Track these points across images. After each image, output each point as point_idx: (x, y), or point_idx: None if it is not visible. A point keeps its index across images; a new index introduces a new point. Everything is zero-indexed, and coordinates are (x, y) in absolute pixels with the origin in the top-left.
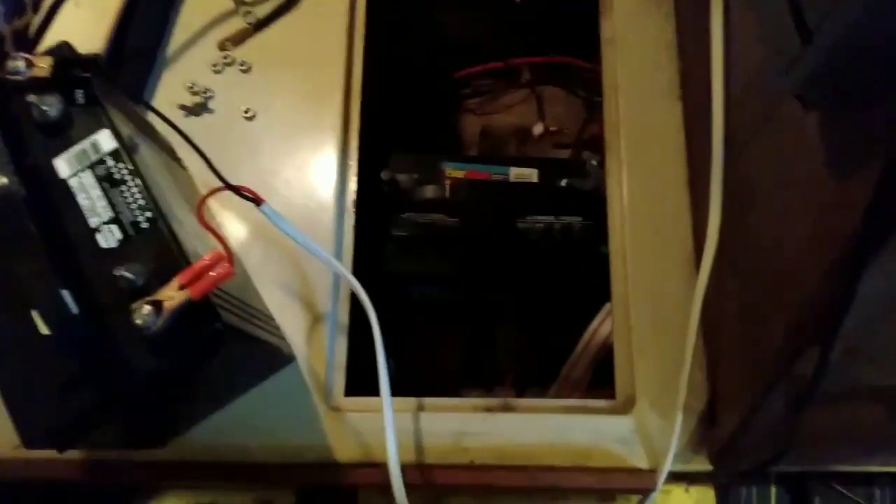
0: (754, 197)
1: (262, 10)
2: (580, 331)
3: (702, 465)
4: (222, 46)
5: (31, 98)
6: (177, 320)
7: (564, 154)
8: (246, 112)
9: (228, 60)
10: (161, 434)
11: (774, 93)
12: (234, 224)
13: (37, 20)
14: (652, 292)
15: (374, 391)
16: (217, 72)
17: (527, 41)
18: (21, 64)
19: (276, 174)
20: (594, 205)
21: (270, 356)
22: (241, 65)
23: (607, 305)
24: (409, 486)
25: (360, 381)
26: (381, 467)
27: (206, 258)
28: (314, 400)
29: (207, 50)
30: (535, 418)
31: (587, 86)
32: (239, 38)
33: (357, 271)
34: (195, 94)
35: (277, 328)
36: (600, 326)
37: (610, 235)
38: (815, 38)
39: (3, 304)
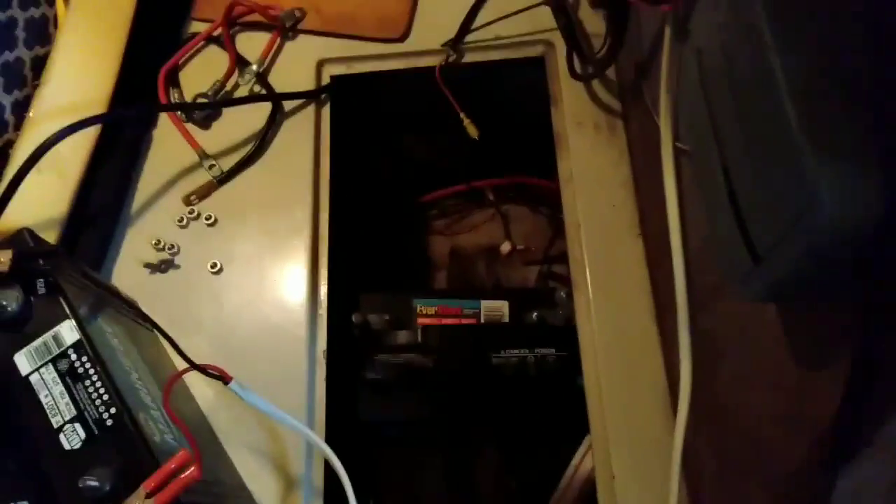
0: (721, 356)
1: (226, 163)
2: (562, 460)
3: None
4: (187, 201)
5: None
6: None
7: (533, 272)
8: (212, 267)
9: (194, 214)
10: None
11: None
12: (204, 390)
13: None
14: (630, 434)
15: None
16: (182, 226)
17: (489, 164)
18: None
19: (243, 328)
20: (566, 336)
21: None
22: (207, 218)
23: (587, 438)
24: None
25: None
26: None
27: (173, 462)
28: None
29: (172, 204)
30: None
31: (550, 203)
32: (204, 192)
33: (331, 420)
34: (161, 250)
35: (250, 497)
36: (583, 461)
37: (584, 372)
38: (763, 261)
39: None
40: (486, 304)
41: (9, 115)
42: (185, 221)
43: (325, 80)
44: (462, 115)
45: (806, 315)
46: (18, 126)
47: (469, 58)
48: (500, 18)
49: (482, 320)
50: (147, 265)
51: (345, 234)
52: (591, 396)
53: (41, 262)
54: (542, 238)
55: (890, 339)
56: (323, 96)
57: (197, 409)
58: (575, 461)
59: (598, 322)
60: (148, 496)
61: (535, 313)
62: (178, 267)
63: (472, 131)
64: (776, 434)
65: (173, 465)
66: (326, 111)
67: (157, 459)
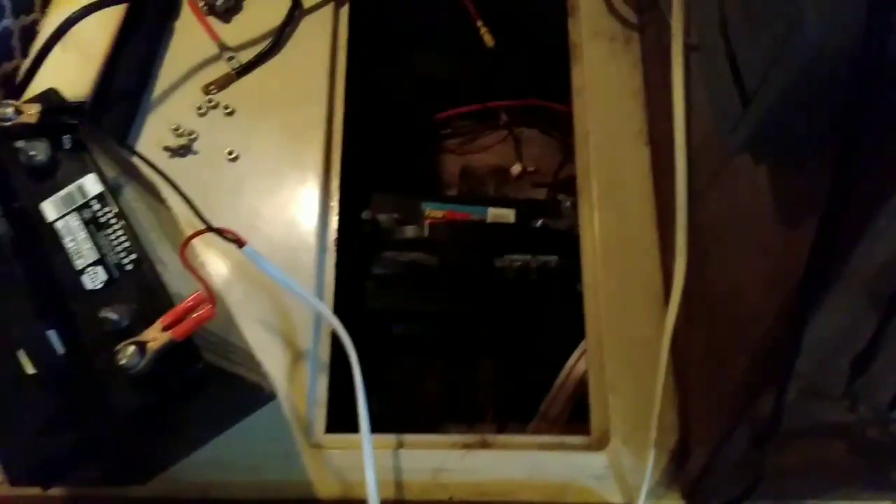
0: (715, 243)
1: (245, 56)
2: (558, 367)
3: (675, 501)
4: (207, 90)
5: (20, 144)
6: (160, 360)
7: (542, 193)
8: (229, 154)
9: (213, 104)
10: (144, 471)
11: (727, 147)
12: (217, 263)
13: (25, 64)
14: (624, 330)
15: (354, 428)
16: (202, 115)
17: (504, 84)
18: (9, 111)
19: (258, 214)
20: (569, 244)
21: (252, 394)
22: (226, 108)
23: (582, 344)
24: None
25: (341, 418)
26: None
27: (189, 300)
28: (295, 437)
29: (192, 93)
30: (512, 455)
31: (562, 128)
32: (223, 83)
33: (338, 309)
34: (180, 136)
35: (259, 366)
36: (577, 363)
37: (583, 274)
38: (752, 101)
39: None
40: (492, 211)
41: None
42: (204, 110)
43: None
44: (479, 22)
45: (786, 180)
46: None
47: None
48: None
49: None
50: (167, 148)
51: (358, 137)
52: (589, 301)
53: (66, 118)
54: (552, 161)
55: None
56: None
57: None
58: (569, 364)
59: (600, 228)
60: (164, 329)
61: (540, 220)
62: (196, 153)
63: (488, 39)
64: (758, 299)
65: (190, 303)
66: (345, 13)
67: (172, 302)
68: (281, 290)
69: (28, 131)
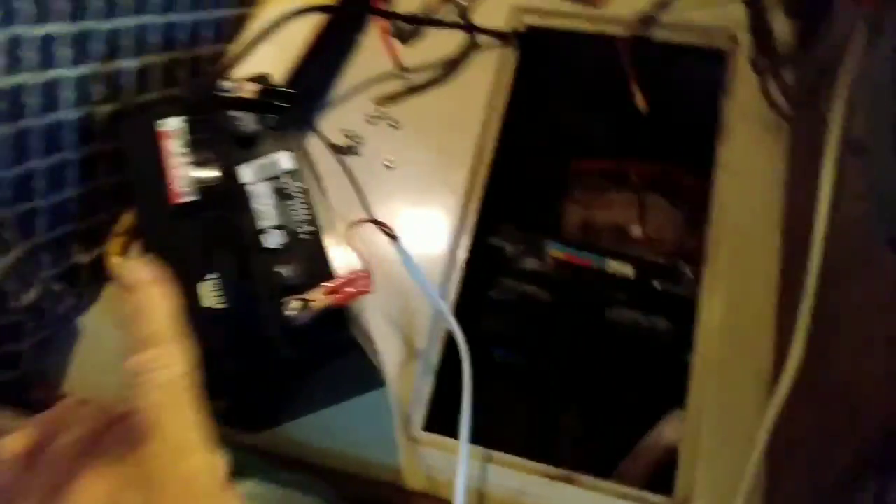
0: (835, 331)
1: (418, 78)
2: (643, 429)
3: None
4: (378, 102)
5: (234, 113)
6: (317, 320)
7: (658, 259)
8: (388, 162)
9: (381, 115)
10: (264, 420)
11: (872, 238)
12: (354, 253)
13: (236, 49)
14: (726, 403)
15: (446, 431)
16: (370, 123)
17: (643, 148)
18: (232, 85)
19: (402, 220)
20: (682, 311)
21: (370, 375)
22: (392, 121)
23: (677, 411)
24: None
25: (436, 420)
26: (442, 502)
27: (351, 274)
28: (395, 427)
29: (365, 103)
30: (592, 496)
31: (692, 202)
32: (394, 98)
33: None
34: (348, 137)
35: (377, 354)
36: (667, 430)
37: (696, 344)
38: None
39: (176, 273)
40: (613, 264)
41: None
42: (373, 120)
43: (519, 27)
44: (635, 85)
45: None
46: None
47: (655, 35)
48: (693, 6)
49: None
50: (334, 145)
51: (499, 170)
52: (697, 369)
53: (277, 100)
54: (674, 231)
55: None
56: (513, 40)
57: None
58: (658, 429)
59: (721, 300)
60: (327, 294)
61: (658, 283)
62: (359, 155)
63: (641, 103)
64: (876, 391)
65: (352, 276)
66: (513, 57)
67: (334, 274)
68: (406, 292)
69: (243, 105)
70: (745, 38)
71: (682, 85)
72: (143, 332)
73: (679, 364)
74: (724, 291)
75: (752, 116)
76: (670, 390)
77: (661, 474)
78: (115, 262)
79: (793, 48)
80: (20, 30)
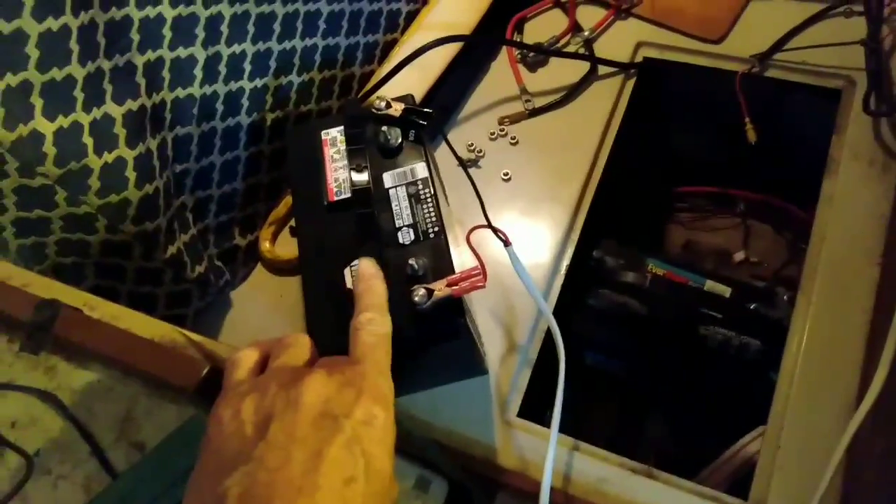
0: None
1: (539, 101)
2: (723, 443)
3: None
4: (501, 122)
5: (383, 128)
6: (438, 307)
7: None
8: (504, 175)
9: (503, 133)
10: None
11: None
12: (468, 252)
13: (382, 70)
14: (807, 421)
15: (538, 420)
16: (492, 139)
17: (750, 175)
18: (383, 104)
19: (514, 228)
20: (775, 334)
21: (476, 362)
22: (512, 139)
23: (760, 428)
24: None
25: (531, 408)
26: (530, 481)
27: (469, 270)
28: (493, 411)
29: (489, 122)
30: (671, 491)
31: (795, 231)
32: (515, 119)
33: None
34: (471, 151)
35: (482, 345)
36: (749, 444)
37: (783, 362)
38: None
39: (327, 259)
40: (710, 284)
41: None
42: (495, 136)
43: (639, 60)
44: (747, 119)
45: None
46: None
47: (770, 73)
48: (811, 46)
49: None
50: (458, 157)
51: (607, 188)
52: (782, 385)
53: (417, 118)
54: (777, 259)
55: None
56: (632, 71)
57: None
58: (741, 442)
59: (812, 324)
60: (448, 285)
61: (754, 305)
62: (479, 167)
63: (751, 135)
64: None
65: (468, 273)
66: (630, 85)
67: (454, 269)
68: (512, 293)
69: (390, 121)
70: (860, 79)
71: (793, 119)
72: (366, 303)
73: (767, 383)
74: (817, 317)
75: (860, 154)
76: (757, 408)
77: (740, 487)
78: (266, 247)
79: None
80: (219, 48)
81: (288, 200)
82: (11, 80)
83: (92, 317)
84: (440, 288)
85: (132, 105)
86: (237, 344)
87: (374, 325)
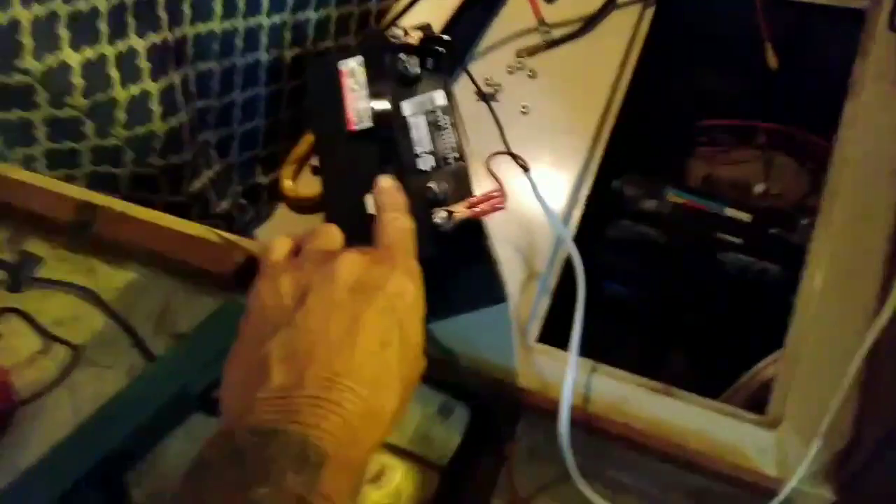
0: None
1: (557, 32)
2: (743, 367)
3: (826, 492)
4: (519, 54)
5: (401, 56)
6: (459, 228)
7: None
8: (523, 107)
9: (521, 66)
10: None
11: None
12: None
13: (400, 4)
14: (826, 339)
15: (559, 346)
16: (510, 73)
17: (772, 106)
18: (400, 32)
19: (533, 161)
20: (795, 258)
21: (497, 289)
22: (530, 71)
23: (778, 352)
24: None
25: (551, 335)
26: (551, 401)
27: (489, 192)
28: (513, 336)
29: (507, 55)
30: (690, 408)
31: (818, 161)
32: (533, 51)
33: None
34: (489, 85)
35: (502, 272)
36: (766, 368)
37: (802, 285)
38: None
39: (348, 187)
40: (730, 211)
41: None
42: (512, 70)
43: None
44: (768, 43)
45: None
46: None
47: None
48: None
49: None
50: (477, 91)
51: (627, 121)
52: (798, 314)
53: (436, 46)
54: (799, 190)
55: None
56: (651, 0)
57: None
58: (758, 366)
59: (831, 246)
60: (468, 207)
61: (774, 230)
62: (497, 101)
63: (772, 61)
64: None
65: (490, 193)
66: (649, 14)
67: (473, 192)
68: (531, 219)
69: (408, 49)
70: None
71: (816, 45)
72: (389, 205)
73: (786, 308)
74: (837, 238)
75: (883, 75)
76: (775, 332)
77: (758, 409)
78: (288, 185)
79: None
80: None
81: (309, 139)
82: (38, 10)
83: (130, 214)
84: (460, 210)
85: (155, 38)
86: None
87: (399, 221)
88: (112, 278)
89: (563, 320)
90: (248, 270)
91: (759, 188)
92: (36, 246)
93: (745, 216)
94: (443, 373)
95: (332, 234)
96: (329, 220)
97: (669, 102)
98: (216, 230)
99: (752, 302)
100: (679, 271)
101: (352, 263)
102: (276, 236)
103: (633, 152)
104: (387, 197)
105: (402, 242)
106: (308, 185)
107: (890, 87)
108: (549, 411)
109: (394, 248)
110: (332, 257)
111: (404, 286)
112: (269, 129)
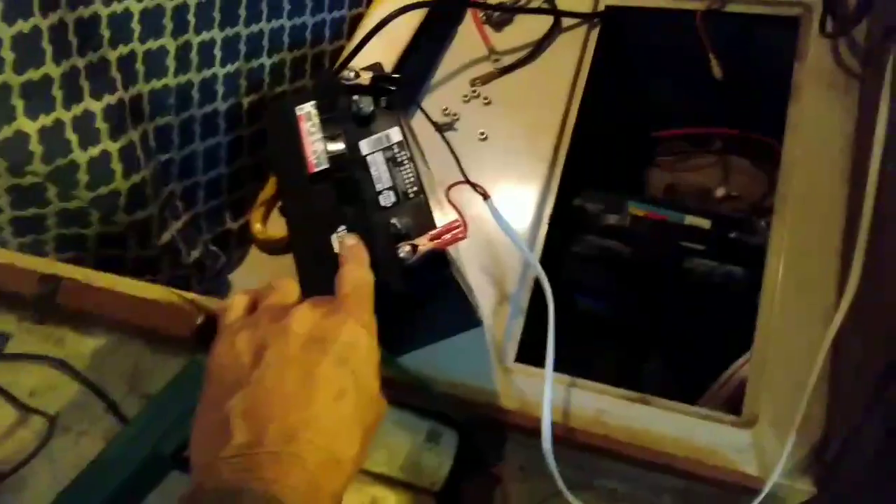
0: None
1: (508, 60)
2: (718, 370)
3: (807, 485)
4: (473, 83)
5: (354, 97)
6: (423, 261)
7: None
8: (481, 134)
9: (476, 94)
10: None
11: None
12: (451, 211)
13: (351, 44)
14: (791, 336)
15: (536, 364)
16: (466, 101)
17: (723, 113)
18: (352, 74)
19: (494, 186)
20: (756, 259)
21: (469, 314)
22: (485, 99)
23: (748, 354)
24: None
25: (527, 355)
26: (532, 419)
27: (449, 224)
28: (491, 359)
29: (461, 84)
30: (667, 415)
31: (773, 161)
32: (487, 79)
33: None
34: (446, 115)
35: (475, 297)
36: (741, 368)
37: (763, 286)
38: None
39: (314, 229)
40: (690, 219)
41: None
42: (468, 98)
43: (601, 9)
44: (711, 55)
45: None
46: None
47: (729, 8)
48: None
49: None
50: (434, 122)
51: (583, 139)
52: (764, 305)
53: (387, 85)
54: (757, 191)
55: None
56: (595, 20)
57: None
58: (733, 367)
59: (788, 245)
60: (430, 239)
61: (734, 234)
62: (455, 130)
63: (717, 71)
64: None
65: (449, 226)
66: (594, 34)
67: (435, 224)
68: (497, 243)
69: (361, 90)
70: (816, 5)
71: (757, 52)
72: (352, 257)
73: (754, 308)
74: (793, 236)
75: (821, 78)
76: (746, 333)
77: (735, 410)
78: (257, 228)
79: (860, 11)
80: (189, 37)
81: (274, 181)
82: None
83: (92, 284)
84: (423, 243)
85: (110, 99)
86: None
87: (357, 272)
88: (81, 345)
89: (538, 338)
90: (209, 329)
91: (720, 192)
92: (2, 320)
93: (704, 223)
94: (426, 400)
95: (288, 289)
96: (297, 261)
97: (624, 116)
98: (177, 291)
99: (721, 305)
100: (647, 281)
101: (304, 317)
102: (247, 281)
103: (594, 168)
104: (349, 251)
105: (357, 293)
106: (277, 226)
107: (829, 89)
108: (532, 429)
109: (349, 300)
110: (287, 312)
111: (356, 336)
112: (233, 175)
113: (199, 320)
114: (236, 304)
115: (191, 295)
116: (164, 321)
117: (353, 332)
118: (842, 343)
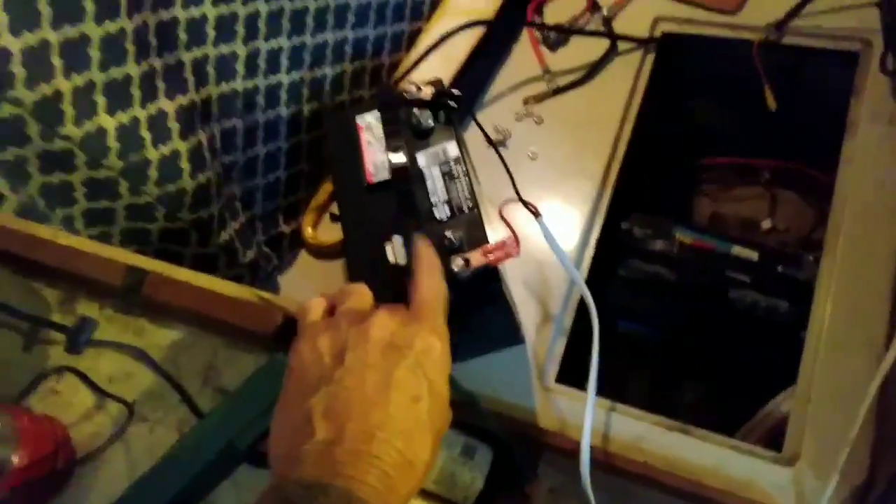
0: None
1: (562, 80)
2: (758, 403)
3: None
4: (526, 102)
5: (415, 111)
6: (476, 274)
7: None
8: (531, 153)
9: (528, 113)
10: None
11: None
12: (502, 226)
13: (411, 58)
14: (837, 374)
15: (575, 385)
16: (518, 120)
17: (773, 144)
18: (413, 87)
19: (542, 204)
20: (803, 294)
21: (514, 331)
22: (537, 118)
23: (792, 387)
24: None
25: (567, 376)
26: (570, 441)
27: (503, 240)
28: (532, 377)
29: (514, 103)
30: (706, 446)
31: (821, 196)
32: (540, 98)
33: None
34: (498, 132)
35: (518, 316)
36: (783, 403)
37: (811, 321)
38: None
39: (369, 236)
40: (737, 249)
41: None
42: (520, 117)
43: (657, 35)
44: (766, 86)
45: None
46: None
47: (787, 40)
48: (826, 11)
49: None
50: (486, 138)
51: (633, 163)
52: (811, 342)
53: (447, 100)
54: (804, 226)
55: None
56: (651, 46)
57: None
58: (775, 401)
59: (837, 282)
60: (483, 254)
61: (781, 267)
62: (506, 147)
63: (771, 102)
64: None
65: (503, 242)
66: (650, 60)
67: (488, 239)
68: (544, 265)
69: (421, 103)
70: (876, 41)
71: (813, 85)
72: (428, 266)
73: (797, 343)
74: (842, 275)
75: (878, 115)
76: (788, 368)
77: (775, 446)
78: (309, 232)
79: None
80: (258, 44)
81: (327, 188)
82: (78, 80)
83: (176, 277)
84: (476, 257)
85: (183, 100)
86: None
87: (431, 282)
88: (159, 336)
89: (579, 359)
90: (287, 329)
91: (765, 224)
92: (86, 307)
93: (752, 254)
94: (465, 415)
95: (363, 294)
96: (350, 268)
97: (673, 142)
98: (257, 291)
99: (764, 338)
100: (691, 309)
101: (383, 324)
102: (297, 283)
103: (640, 192)
104: (424, 259)
105: (431, 303)
106: (328, 232)
107: (885, 126)
108: (569, 451)
109: (423, 308)
110: (365, 317)
111: (431, 344)
112: (290, 180)
113: (279, 320)
114: (315, 306)
115: (269, 295)
116: (245, 318)
117: (428, 340)
118: (890, 384)
